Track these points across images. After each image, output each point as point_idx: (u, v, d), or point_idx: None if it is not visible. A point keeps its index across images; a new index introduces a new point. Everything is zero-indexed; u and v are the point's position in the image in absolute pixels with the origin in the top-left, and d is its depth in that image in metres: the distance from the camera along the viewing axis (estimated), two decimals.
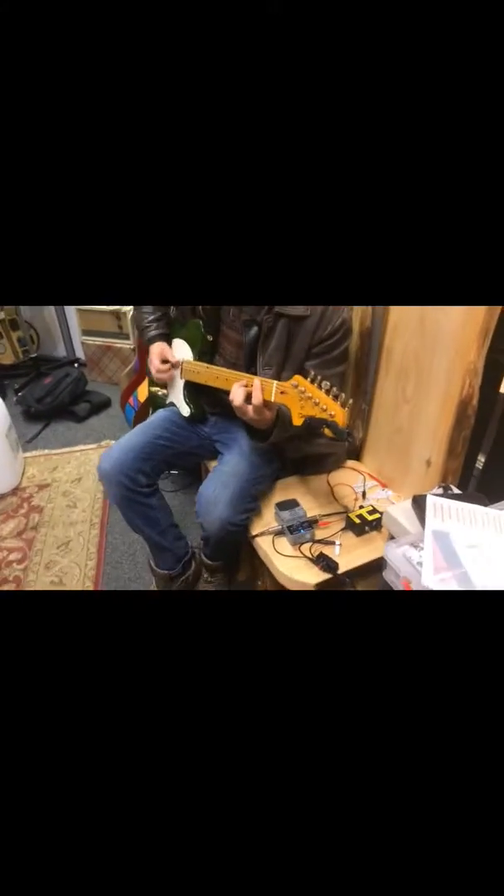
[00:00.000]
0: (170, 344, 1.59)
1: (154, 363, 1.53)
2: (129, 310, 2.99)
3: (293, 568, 1.51)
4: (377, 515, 1.61)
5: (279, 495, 1.76)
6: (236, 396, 1.19)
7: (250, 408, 1.24)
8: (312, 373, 1.16)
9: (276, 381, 1.20)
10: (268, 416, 1.31)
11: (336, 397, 1.12)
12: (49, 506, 2.56)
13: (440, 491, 1.34)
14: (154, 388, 2.07)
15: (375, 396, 1.70)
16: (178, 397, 1.74)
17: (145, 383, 2.39)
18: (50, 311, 3.41)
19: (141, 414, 2.40)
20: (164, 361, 1.53)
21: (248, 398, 1.17)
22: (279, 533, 1.61)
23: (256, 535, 1.62)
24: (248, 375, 1.27)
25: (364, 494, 1.76)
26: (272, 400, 1.19)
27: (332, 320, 1.31)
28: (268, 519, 1.69)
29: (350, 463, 1.89)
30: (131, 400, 2.54)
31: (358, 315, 1.59)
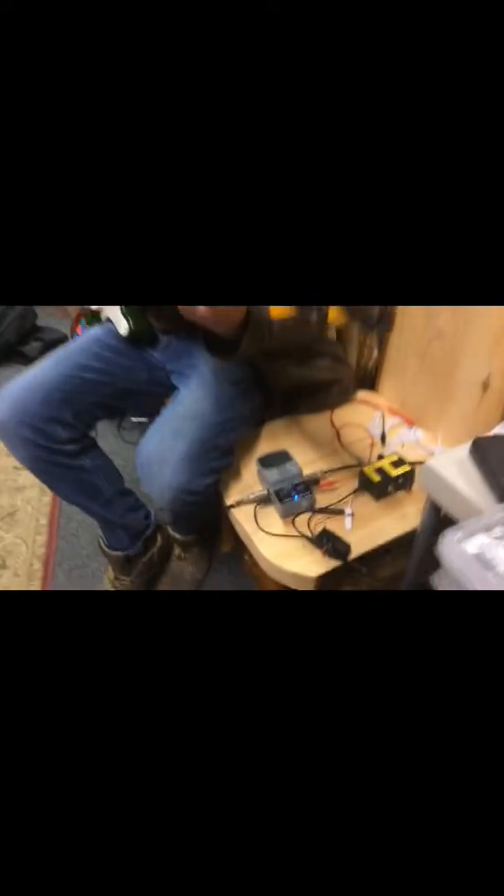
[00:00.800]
0: None
1: None
2: None
3: (284, 553, 1.00)
4: (405, 468, 1.08)
5: (263, 446, 1.23)
6: None
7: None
8: None
9: None
10: (232, 314, 0.76)
11: None
12: None
13: None
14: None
15: None
16: (114, 310, 1.18)
17: None
18: None
19: None
20: None
21: None
22: (264, 501, 1.09)
23: (232, 506, 1.10)
24: None
25: (383, 438, 1.23)
26: None
27: None
28: (248, 481, 1.17)
29: (362, 394, 1.34)
30: (79, 328, 1.97)
31: None
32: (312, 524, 1.05)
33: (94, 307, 1.36)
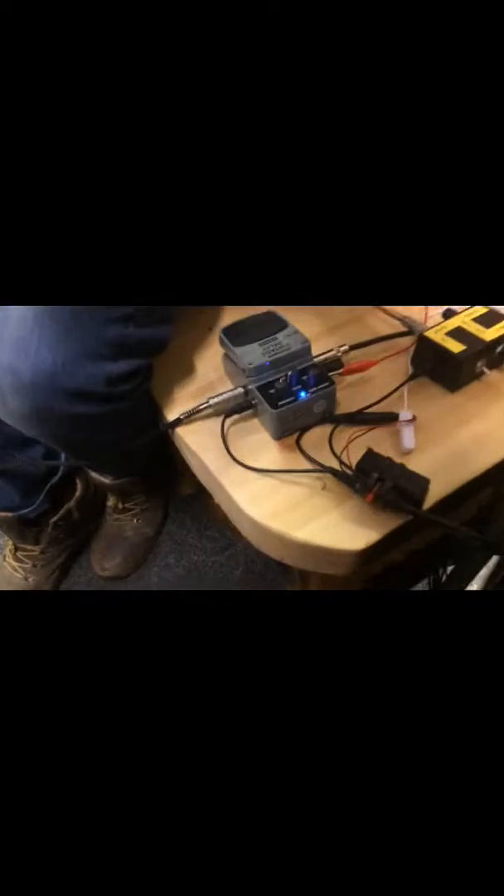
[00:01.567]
0: None
1: None
2: None
3: (286, 506, 0.48)
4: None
5: (234, 311, 0.68)
6: None
7: None
8: None
9: None
10: None
11: None
12: None
13: None
14: None
15: None
16: None
17: None
18: None
19: None
20: None
21: None
22: (238, 409, 0.55)
23: (177, 422, 0.56)
24: None
25: None
26: None
27: None
28: (208, 375, 0.63)
29: None
30: None
31: None
32: (338, 444, 0.52)
33: None
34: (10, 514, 0.84)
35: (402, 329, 0.63)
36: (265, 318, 0.60)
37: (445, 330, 0.57)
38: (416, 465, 0.50)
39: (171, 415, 0.59)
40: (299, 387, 0.53)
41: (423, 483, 0.46)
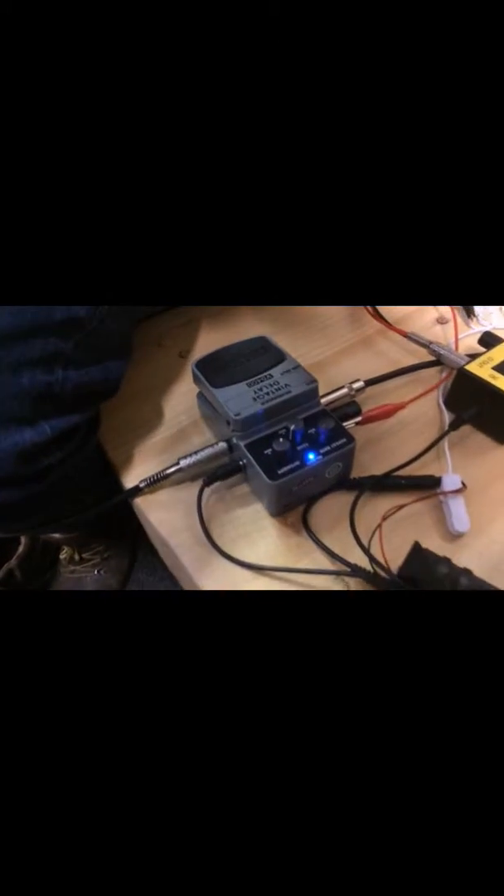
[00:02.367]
0: None
1: None
2: None
3: None
4: None
5: (211, 334, 0.52)
6: None
7: None
8: None
9: None
10: None
11: None
12: None
13: None
14: None
15: None
16: None
17: None
18: None
19: None
20: None
21: None
22: (219, 475, 0.38)
23: (133, 493, 0.39)
24: None
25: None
26: None
27: None
28: (174, 415, 0.46)
29: None
30: None
31: None
32: (363, 525, 0.37)
33: None
34: None
35: (429, 357, 0.48)
36: (254, 347, 0.44)
37: (492, 363, 0.43)
38: (475, 558, 0.35)
39: (129, 479, 0.43)
40: (306, 445, 0.38)
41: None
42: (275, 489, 0.37)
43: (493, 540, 0.38)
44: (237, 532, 0.39)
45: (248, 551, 0.38)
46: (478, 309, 0.56)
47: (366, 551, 0.35)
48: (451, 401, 0.45)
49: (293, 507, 0.40)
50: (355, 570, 0.34)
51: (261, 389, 0.40)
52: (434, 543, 0.37)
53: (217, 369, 0.42)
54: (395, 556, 0.36)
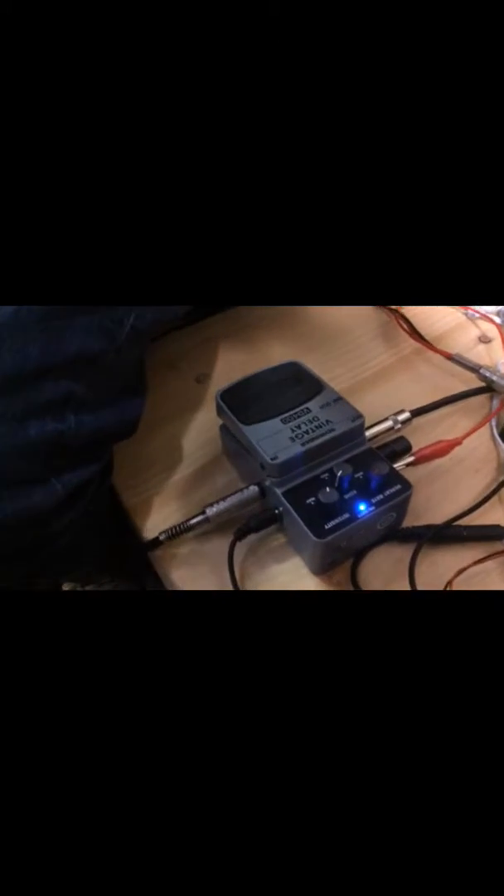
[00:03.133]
0: None
1: None
2: None
3: None
4: None
5: (224, 355, 0.46)
6: None
7: None
8: None
9: None
10: None
11: None
12: None
13: None
14: None
15: None
16: None
17: None
18: None
19: None
20: None
21: None
22: (253, 527, 0.32)
23: (153, 545, 0.33)
24: None
25: None
26: None
27: None
28: (192, 450, 0.40)
29: None
30: None
31: None
32: (421, 582, 0.31)
33: None
34: None
35: (478, 383, 0.43)
36: (286, 375, 0.38)
37: None
38: None
39: (145, 526, 0.37)
40: (354, 493, 0.32)
41: None
42: (322, 547, 0.31)
43: None
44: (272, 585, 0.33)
45: None
46: None
47: None
48: None
49: (339, 563, 0.34)
50: None
51: (298, 427, 0.34)
52: None
53: (246, 402, 0.36)
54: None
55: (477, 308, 0.52)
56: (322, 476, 0.33)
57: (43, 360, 0.27)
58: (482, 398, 0.44)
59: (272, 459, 0.32)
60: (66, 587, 0.79)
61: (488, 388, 0.42)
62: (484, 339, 0.50)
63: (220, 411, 0.37)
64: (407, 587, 0.32)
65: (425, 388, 0.46)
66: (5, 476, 0.26)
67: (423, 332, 0.50)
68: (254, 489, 0.35)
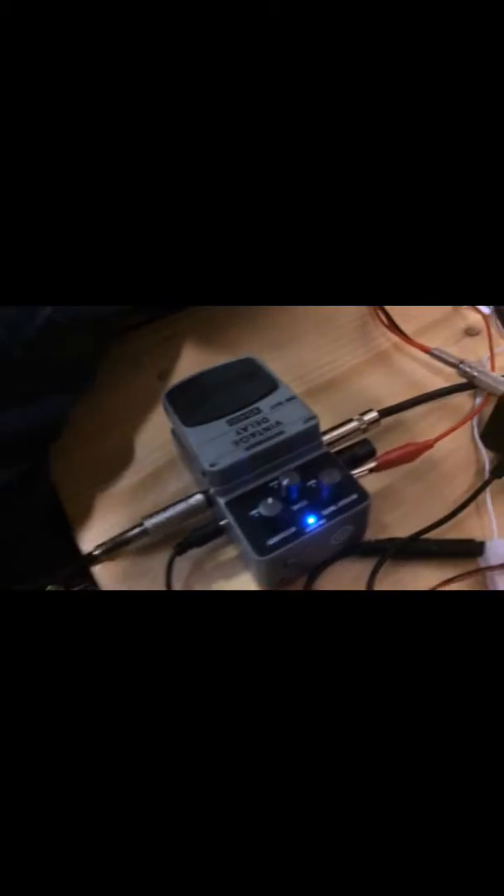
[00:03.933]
0: None
1: None
2: None
3: None
4: None
5: (190, 352, 0.42)
6: None
7: None
8: None
9: None
10: None
11: None
12: None
13: None
14: None
15: None
16: None
17: None
18: None
19: None
20: None
21: None
22: (196, 540, 0.29)
23: (88, 562, 0.29)
24: None
25: None
26: None
27: None
28: (148, 452, 0.37)
29: None
30: None
31: None
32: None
33: None
34: None
35: (459, 379, 0.39)
36: (240, 371, 0.35)
37: None
38: None
39: (88, 537, 0.34)
40: (304, 504, 0.29)
41: None
42: (265, 565, 0.27)
43: None
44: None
45: None
46: None
47: None
48: (491, 436, 0.35)
49: (292, 580, 0.30)
50: None
51: (245, 429, 0.30)
52: None
53: (193, 401, 0.33)
54: None
55: None
56: (271, 484, 0.29)
57: None
58: (464, 396, 0.40)
59: (211, 466, 0.29)
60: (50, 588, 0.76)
61: (470, 385, 0.38)
62: (471, 332, 0.46)
63: (166, 411, 0.34)
64: None
65: (403, 384, 0.42)
66: None
67: (405, 324, 0.46)
68: (199, 498, 0.31)
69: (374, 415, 0.36)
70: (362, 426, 0.35)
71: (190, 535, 0.30)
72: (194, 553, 0.32)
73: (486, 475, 0.32)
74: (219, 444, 0.30)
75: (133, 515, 0.35)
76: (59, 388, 0.31)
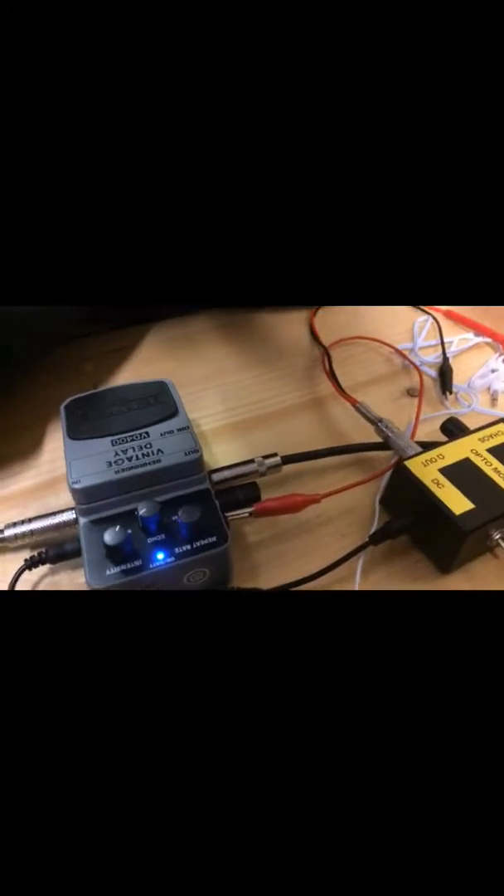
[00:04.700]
0: None
1: None
2: None
3: None
4: None
5: (133, 368, 0.42)
6: None
7: None
8: None
9: None
10: None
11: None
12: None
13: None
14: None
15: None
16: None
17: None
18: None
19: None
20: None
21: None
22: (51, 556, 0.28)
23: None
24: None
25: (444, 375, 0.43)
26: None
27: None
28: (53, 456, 0.36)
29: None
30: None
31: None
32: None
33: None
34: None
35: (375, 438, 0.37)
36: (148, 393, 0.34)
37: (441, 463, 0.31)
38: None
39: None
40: (162, 538, 0.27)
41: None
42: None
43: None
44: None
45: None
46: (460, 385, 0.45)
47: None
48: (389, 500, 0.34)
49: None
50: None
51: (125, 451, 0.30)
52: None
53: (86, 415, 0.32)
54: None
55: (413, 359, 0.47)
56: (126, 514, 0.28)
57: None
58: (386, 457, 0.38)
59: (74, 483, 0.28)
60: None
61: (385, 446, 0.37)
62: (412, 393, 0.45)
63: (61, 421, 0.33)
64: None
65: (328, 433, 0.41)
66: None
67: (354, 373, 0.45)
68: (69, 514, 0.30)
69: (276, 459, 0.35)
70: (261, 469, 0.34)
71: (47, 549, 0.29)
72: (57, 569, 0.31)
73: (366, 539, 0.31)
74: (92, 461, 0.29)
75: (13, 518, 0.34)
76: None
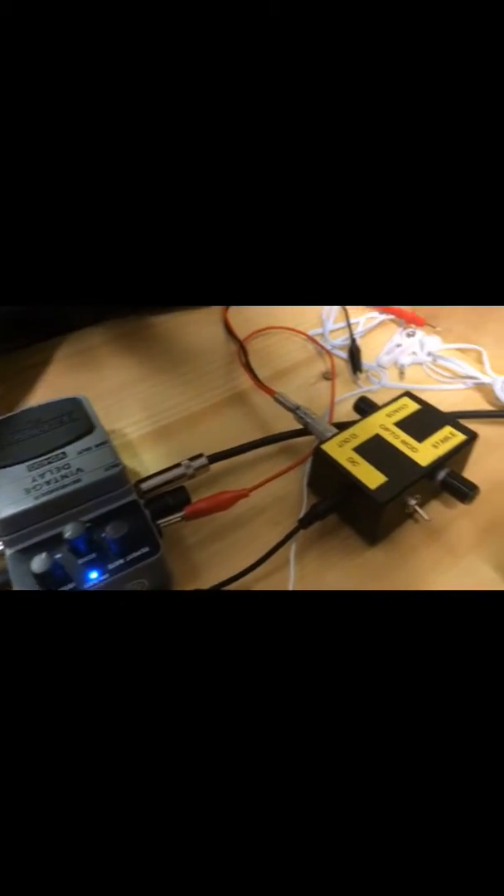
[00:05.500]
0: None
1: None
2: None
3: None
4: (458, 438, 0.31)
5: (51, 384, 0.41)
6: None
7: None
8: None
9: None
10: None
11: None
12: None
13: None
14: None
15: None
16: None
17: None
18: None
19: None
20: None
21: None
22: None
23: None
24: None
25: (355, 355, 0.44)
26: None
27: None
28: None
29: None
30: None
31: None
32: None
33: None
34: None
35: (297, 425, 0.38)
36: (61, 412, 0.33)
37: (355, 442, 0.33)
38: None
39: None
40: (94, 557, 0.27)
41: None
42: None
43: None
44: None
45: None
46: (368, 363, 0.46)
47: None
48: (315, 483, 0.35)
49: None
50: None
51: (43, 475, 0.29)
52: None
53: (2, 442, 0.31)
54: None
55: (324, 343, 0.49)
56: (54, 538, 0.28)
57: None
58: (308, 442, 0.40)
59: None
60: None
61: (306, 431, 0.38)
62: (327, 377, 0.46)
63: None
64: None
65: (256, 425, 0.42)
66: None
67: (270, 363, 0.46)
68: None
69: (203, 460, 0.35)
70: (189, 471, 0.34)
71: None
72: None
73: (295, 525, 0.32)
74: (9, 490, 0.28)
75: None
76: None
